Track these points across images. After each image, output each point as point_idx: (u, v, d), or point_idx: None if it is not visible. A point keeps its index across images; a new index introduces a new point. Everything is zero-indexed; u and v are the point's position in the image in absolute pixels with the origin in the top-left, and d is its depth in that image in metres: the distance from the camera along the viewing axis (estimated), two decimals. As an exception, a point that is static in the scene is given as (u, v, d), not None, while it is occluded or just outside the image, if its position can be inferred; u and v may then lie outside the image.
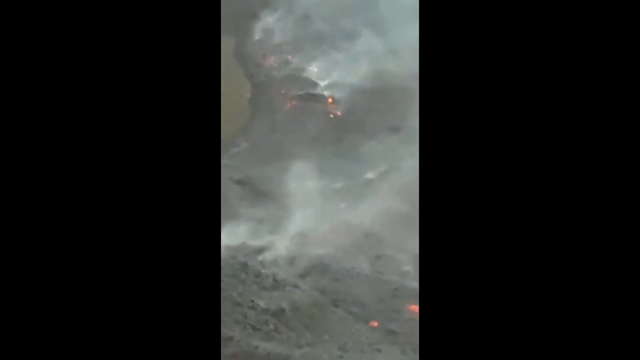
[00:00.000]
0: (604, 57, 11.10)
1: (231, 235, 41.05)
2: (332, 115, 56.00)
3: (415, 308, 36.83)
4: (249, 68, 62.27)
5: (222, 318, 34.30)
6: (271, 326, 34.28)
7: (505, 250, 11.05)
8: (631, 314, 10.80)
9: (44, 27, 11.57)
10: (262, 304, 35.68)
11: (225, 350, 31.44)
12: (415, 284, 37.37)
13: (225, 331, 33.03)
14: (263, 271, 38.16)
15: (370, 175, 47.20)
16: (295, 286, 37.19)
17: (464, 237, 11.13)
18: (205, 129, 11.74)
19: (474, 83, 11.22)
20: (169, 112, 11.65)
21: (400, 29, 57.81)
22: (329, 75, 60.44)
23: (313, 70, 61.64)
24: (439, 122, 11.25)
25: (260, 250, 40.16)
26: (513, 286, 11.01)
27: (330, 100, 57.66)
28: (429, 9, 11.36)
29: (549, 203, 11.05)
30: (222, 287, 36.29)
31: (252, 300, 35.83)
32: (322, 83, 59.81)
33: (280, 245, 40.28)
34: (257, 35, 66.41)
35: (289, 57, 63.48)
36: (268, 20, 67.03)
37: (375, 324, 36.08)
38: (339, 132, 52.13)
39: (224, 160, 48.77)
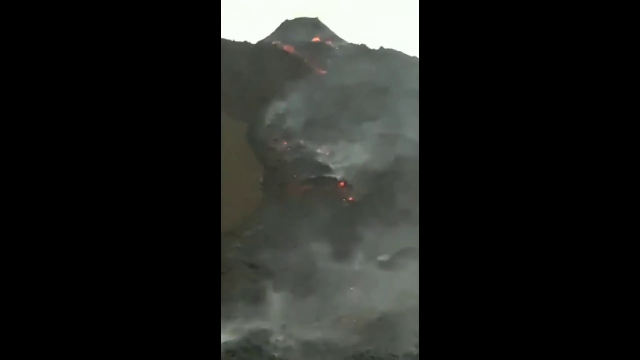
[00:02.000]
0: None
1: (244, 319, 41.47)
2: (344, 199, 56.71)
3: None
4: (261, 152, 63.46)
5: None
6: (286, 411, 34.63)
7: (501, 257, 11.76)
8: (628, 314, 11.23)
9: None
10: (276, 388, 36.05)
11: None
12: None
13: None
14: (276, 355, 38.50)
15: (382, 257, 47.61)
16: (309, 370, 37.49)
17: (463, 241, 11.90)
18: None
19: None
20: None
21: (410, 113, 58.87)
22: (341, 159, 61.38)
23: (325, 154, 62.63)
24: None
25: (273, 333, 40.38)
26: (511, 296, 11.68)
27: (342, 184, 58.44)
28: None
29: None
30: (235, 371, 36.79)
31: (266, 385, 36.20)
32: (334, 167, 60.70)
33: (294, 329, 40.52)
34: (269, 119, 67.56)
35: (301, 141, 64.52)
36: (280, 104, 68.17)
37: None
38: (351, 216, 52.79)
39: (236, 244, 49.75)
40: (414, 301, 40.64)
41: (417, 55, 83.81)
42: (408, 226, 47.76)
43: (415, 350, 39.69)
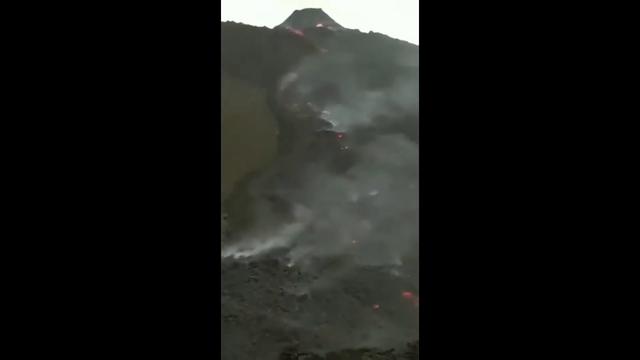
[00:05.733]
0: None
1: (265, 240, 41.38)
2: (341, 148, 56.38)
3: (407, 294, 37.08)
4: (278, 112, 63.42)
5: (258, 302, 34.60)
6: (296, 308, 34.59)
7: (500, 254, 9.49)
8: (628, 314, 9.09)
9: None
10: (289, 291, 36.03)
11: (260, 326, 31.61)
12: (405, 275, 38.75)
13: (260, 312, 33.32)
14: (290, 266, 38.58)
15: (373, 192, 47.34)
16: (316, 278, 37.54)
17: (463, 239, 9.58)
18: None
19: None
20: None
21: (397, 84, 60.83)
22: (340, 118, 60.97)
23: (327, 113, 62.29)
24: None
25: (288, 250, 40.41)
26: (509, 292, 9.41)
27: (340, 136, 58.09)
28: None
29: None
30: (257, 278, 36.78)
31: (282, 289, 36.10)
32: (335, 123, 60.40)
33: (304, 247, 40.55)
34: (283, 87, 67.21)
35: (309, 103, 64.18)
36: (292, 75, 67.76)
37: (377, 306, 36.19)
38: (348, 160, 52.47)
39: (258, 182, 49.52)
40: (398, 225, 40.65)
41: (399, 38, 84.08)
42: (394, 167, 47.72)
43: (396, 262, 39.86)
